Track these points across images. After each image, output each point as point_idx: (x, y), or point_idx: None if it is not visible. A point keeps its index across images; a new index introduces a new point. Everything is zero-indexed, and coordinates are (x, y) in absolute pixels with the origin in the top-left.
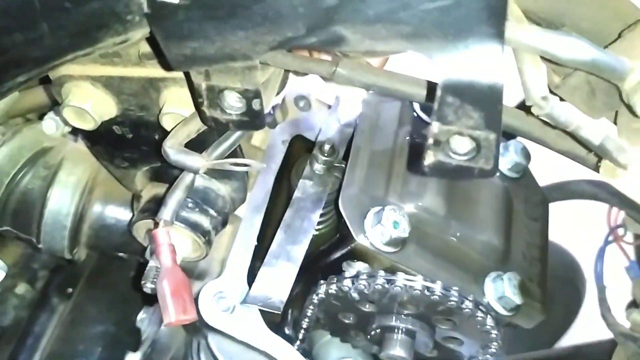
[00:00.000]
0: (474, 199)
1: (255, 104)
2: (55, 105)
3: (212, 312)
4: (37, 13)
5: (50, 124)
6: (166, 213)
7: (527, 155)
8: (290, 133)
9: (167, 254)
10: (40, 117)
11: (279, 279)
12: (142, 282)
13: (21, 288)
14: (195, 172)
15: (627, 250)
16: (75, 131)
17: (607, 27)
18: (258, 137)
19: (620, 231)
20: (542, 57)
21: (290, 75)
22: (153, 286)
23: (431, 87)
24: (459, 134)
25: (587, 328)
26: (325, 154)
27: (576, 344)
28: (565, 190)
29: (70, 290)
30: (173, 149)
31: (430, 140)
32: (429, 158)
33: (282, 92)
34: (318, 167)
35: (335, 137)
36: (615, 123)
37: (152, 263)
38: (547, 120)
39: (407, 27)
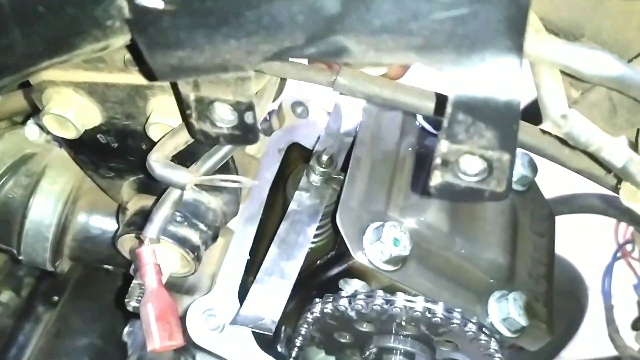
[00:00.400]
0: (479, 214)
1: (248, 117)
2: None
3: (200, 331)
4: (8, 18)
5: (33, 130)
6: (152, 231)
7: (533, 168)
8: (287, 141)
9: (153, 275)
10: (25, 120)
11: (271, 298)
12: (126, 300)
13: (5, 296)
14: (182, 188)
15: (635, 267)
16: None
17: (627, 37)
18: (253, 146)
19: (629, 247)
20: (561, 72)
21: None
22: (137, 305)
23: (440, 100)
24: (470, 154)
25: (588, 342)
26: (323, 165)
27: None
28: (573, 205)
29: (55, 298)
30: (158, 163)
31: (438, 160)
32: (436, 179)
33: (279, 98)
34: (315, 178)
35: (334, 146)
36: (636, 142)
37: (136, 281)
38: (566, 140)
39: (416, 38)
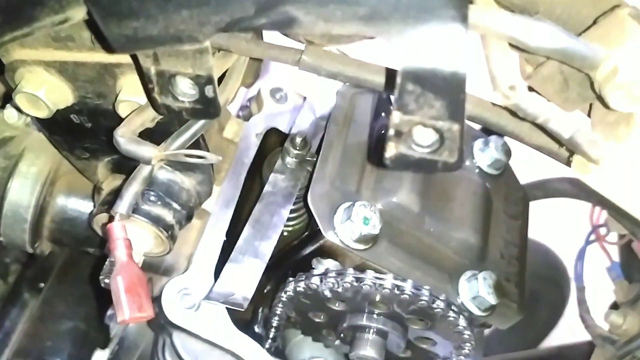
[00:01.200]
0: (451, 195)
1: (208, 91)
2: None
3: (176, 309)
4: None
5: (11, 113)
6: (122, 206)
7: (507, 152)
8: (265, 126)
9: (122, 249)
10: (3, 105)
11: (244, 276)
12: (100, 277)
13: None
14: (147, 162)
15: (609, 251)
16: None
17: (582, 13)
18: (231, 130)
19: (603, 231)
20: (512, 46)
21: (271, 67)
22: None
23: (393, 75)
24: (422, 125)
25: (571, 328)
26: (297, 148)
27: (559, 345)
28: (547, 189)
29: (42, 284)
30: (124, 138)
31: (392, 131)
32: (390, 150)
33: (257, 83)
34: (290, 160)
35: (309, 130)
36: (589, 116)
37: (111, 259)
38: (515, 111)
39: (363, 8)
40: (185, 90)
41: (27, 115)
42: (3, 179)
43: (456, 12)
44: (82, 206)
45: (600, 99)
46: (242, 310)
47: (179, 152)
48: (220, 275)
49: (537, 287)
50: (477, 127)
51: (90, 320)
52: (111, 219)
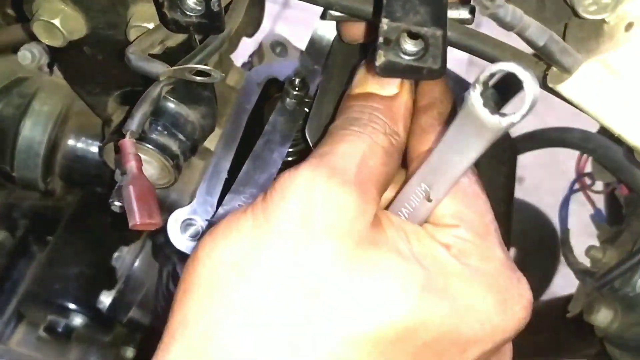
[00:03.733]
0: None
1: (214, 5)
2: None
3: (180, 238)
4: None
5: (25, 55)
6: (133, 124)
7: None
8: (265, 76)
9: (133, 162)
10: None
11: (244, 204)
12: (110, 200)
13: (0, 236)
14: (156, 78)
15: (595, 200)
16: (51, 65)
17: None
18: (233, 78)
19: (588, 181)
20: None
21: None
22: (120, 204)
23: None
24: (407, 32)
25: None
26: (297, 88)
27: (547, 299)
28: (535, 139)
29: (49, 238)
30: (135, 55)
31: (381, 39)
32: (380, 58)
33: (258, 37)
34: (289, 102)
35: (307, 72)
36: (564, 38)
37: (120, 183)
38: (492, 21)
39: None
40: (193, 6)
41: (42, 52)
42: (17, 116)
43: None
44: (92, 146)
45: (573, 10)
46: None
47: (185, 67)
48: (221, 203)
49: (527, 248)
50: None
51: (97, 265)
52: (123, 136)
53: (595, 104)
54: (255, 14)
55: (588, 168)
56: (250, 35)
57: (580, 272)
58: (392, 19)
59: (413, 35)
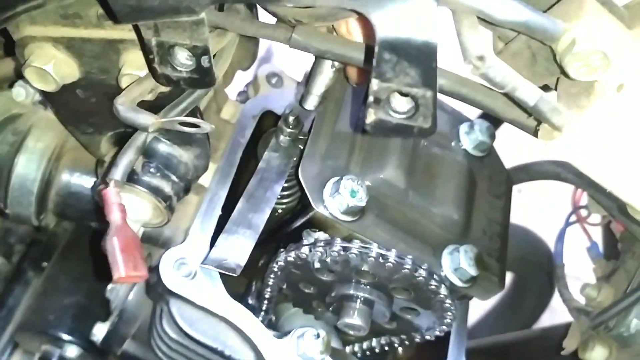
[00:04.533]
0: (436, 173)
1: (204, 61)
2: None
3: (173, 277)
4: None
5: (20, 91)
6: (117, 173)
7: (491, 135)
8: (261, 108)
9: (117, 213)
10: (11, 85)
11: (238, 245)
12: (102, 244)
13: None
14: (145, 129)
15: (590, 232)
16: (45, 100)
17: None
18: (228, 111)
19: (584, 212)
20: (484, 21)
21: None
22: None
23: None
24: (398, 92)
25: (559, 317)
26: (290, 126)
27: (543, 327)
28: (530, 171)
29: (45, 264)
30: (124, 106)
31: (371, 98)
32: (370, 116)
33: (254, 69)
34: (283, 139)
35: (301, 109)
36: (556, 89)
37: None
38: (484, 81)
39: None
40: (183, 61)
41: (35, 90)
42: (11, 154)
43: None
44: (86, 181)
45: (563, 70)
46: (235, 275)
47: (174, 119)
48: (215, 243)
49: (524, 273)
50: (464, 112)
51: (92, 295)
52: (107, 185)
53: (586, 161)
54: (250, 48)
55: (584, 200)
56: (245, 68)
57: (576, 310)
58: (382, 80)
59: (403, 94)
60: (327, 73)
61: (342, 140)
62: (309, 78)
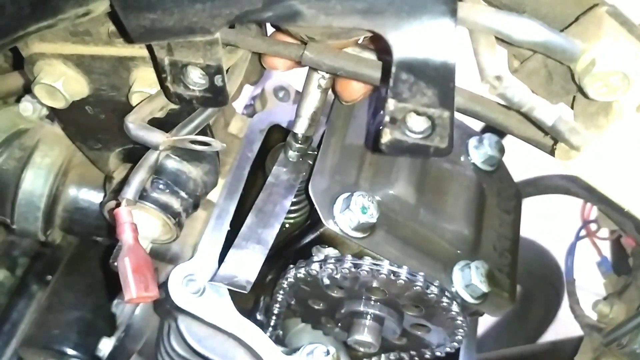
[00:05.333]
0: (446, 189)
1: (218, 80)
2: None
3: (181, 294)
4: None
5: (27, 106)
6: (129, 192)
7: (501, 149)
8: (268, 122)
9: (129, 232)
10: (18, 100)
11: (247, 261)
12: (111, 261)
13: (0, 275)
14: (155, 148)
15: (600, 246)
16: (52, 114)
17: (566, 12)
18: (236, 126)
19: (593, 227)
20: (501, 40)
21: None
22: None
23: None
24: (415, 112)
25: (566, 326)
26: (299, 142)
27: (552, 340)
28: (539, 185)
29: (49, 277)
30: (134, 124)
31: (387, 118)
32: (386, 136)
33: (261, 82)
34: (292, 154)
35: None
36: (572, 108)
37: (120, 243)
38: (501, 101)
39: (361, 3)
40: (196, 80)
41: (43, 105)
42: (18, 169)
43: (446, 7)
44: (93, 196)
45: (581, 90)
46: (245, 292)
47: (185, 138)
48: (224, 259)
49: (531, 286)
50: (473, 126)
51: (98, 310)
52: (119, 204)
53: (604, 181)
54: (257, 62)
55: (593, 214)
56: (253, 83)
57: (588, 327)
58: (399, 100)
59: (420, 113)
60: (314, 95)
61: (351, 155)
62: (299, 101)
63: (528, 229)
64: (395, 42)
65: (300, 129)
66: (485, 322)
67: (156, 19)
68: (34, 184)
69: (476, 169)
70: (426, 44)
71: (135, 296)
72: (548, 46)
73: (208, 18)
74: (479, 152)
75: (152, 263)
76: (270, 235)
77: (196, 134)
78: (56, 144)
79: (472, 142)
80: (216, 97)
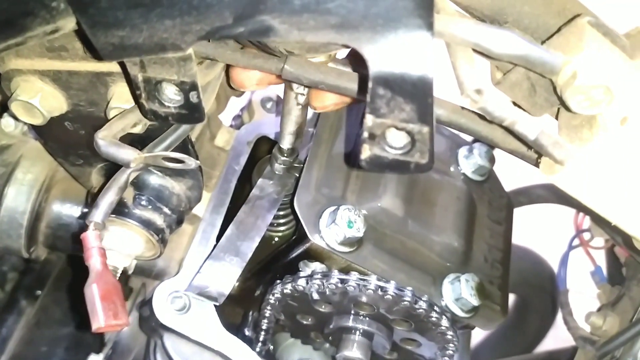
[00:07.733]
0: (435, 200)
1: (193, 97)
2: None
3: (166, 311)
4: None
5: (9, 122)
6: (97, 215)
7: (491, 159)
8: (255, 134)
9: (97, 258)
10: (1, 114)
11: (223, 273)
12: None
13: None
14: (127, 165)
15: (594, 256)
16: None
17: (548, 23)
18: (222, 138)
19: (587, 236)
20: (480, 53)
21: None
22: None
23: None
24: (394, 128)
25: (562, 336)
26: (285, 154)
27: (547, 350)
28: (531, 195)
29: (38, 292)
30: (105, 141)
31: (365, 134)
32: (365, 152)
33: (248, 93)
34: (278, 167)
35: None
36: (557, 119)
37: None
38: (482, 114)
39: (334, 17)
40: (171, 96)
41: (24, 123)
42: (0, 186)
43: (422, 21)
44: (77, 212)
45: (561, 101)
46: (217, 304)
47: (158, 155)
48: (199, 270)
49: (527, 294)
50: (463, 135)
51: (86, 327)
52: (85, 227)
53: (590, 194)
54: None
55: (586, 223)
56: (239, 95)
57: (581, 339)
58: (377, 115)
59: (399, 129)
60: (294, 112)
61: (337, 168)
62: (281, 118)
63: (522, 238)
64: (371, 56)
65: (285, 144)
66: (481, 331)
67: (125, 36)
68: (16, 200)
69: (466, 179)
70: (402, 58)
71: (103, 325)
72: (528, 59)
73: (178, 34)
74: (469, 162)
75: (121, 289)
76: (250, 248)
77: (175, 150)
78: (39, 160)
79: (462, 151)
80: (192, 113)
